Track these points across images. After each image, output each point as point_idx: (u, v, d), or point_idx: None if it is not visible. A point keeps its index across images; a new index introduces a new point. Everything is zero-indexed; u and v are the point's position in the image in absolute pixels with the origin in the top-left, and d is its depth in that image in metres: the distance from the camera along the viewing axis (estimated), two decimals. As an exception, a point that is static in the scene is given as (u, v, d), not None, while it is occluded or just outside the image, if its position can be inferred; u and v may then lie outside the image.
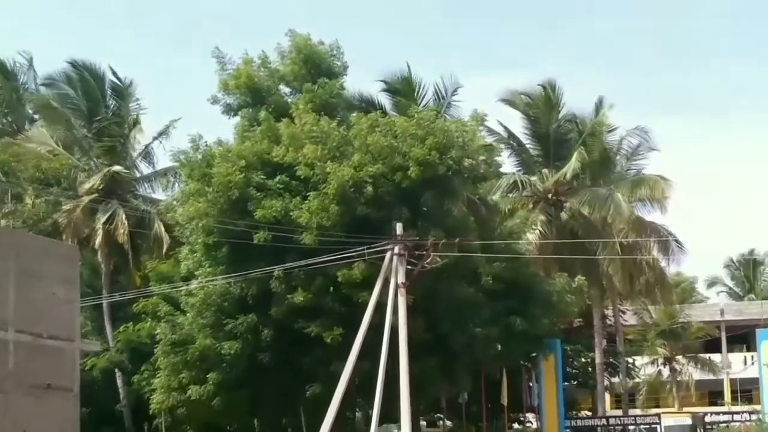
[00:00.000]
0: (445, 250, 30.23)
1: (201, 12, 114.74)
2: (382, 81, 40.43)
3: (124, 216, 40.99)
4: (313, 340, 31.30)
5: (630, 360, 57.77)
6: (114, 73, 44.09)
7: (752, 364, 54.84)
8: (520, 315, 34.39)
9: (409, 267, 29.23)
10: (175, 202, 37.19)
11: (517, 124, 47.99)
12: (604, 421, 46.10)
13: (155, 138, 44.04)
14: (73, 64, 43.90)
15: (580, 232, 45.47)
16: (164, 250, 40.15)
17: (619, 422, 46.45)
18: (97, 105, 43.68)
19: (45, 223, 40.39)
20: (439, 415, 43.21)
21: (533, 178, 46.81)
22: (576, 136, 47.13)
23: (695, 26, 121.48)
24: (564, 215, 46.85)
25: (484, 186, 39.21)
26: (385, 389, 28.27)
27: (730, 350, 68.71)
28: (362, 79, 76.42)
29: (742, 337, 65.50)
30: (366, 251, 29.53)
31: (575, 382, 52.05)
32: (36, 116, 47.27)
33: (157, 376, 34.15)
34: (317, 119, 32.93)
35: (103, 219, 40.98)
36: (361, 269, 30.48)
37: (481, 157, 35.42)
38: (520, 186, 46.40)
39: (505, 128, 47.64)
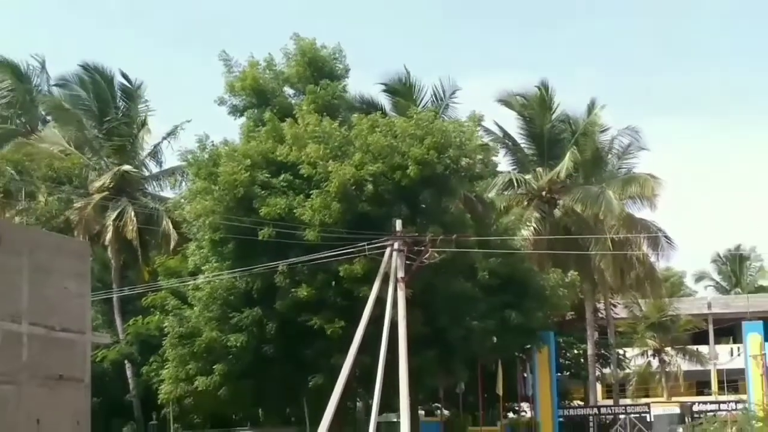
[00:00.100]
0: (443, 246, 30.21)
1: (201, 12, 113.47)
2: (382, 83, 40.50)
3: (133, 213, 40.99)
4: (316, 333, 31.28)
5: (621, 351, 57.73)
6: (124, 76, 44.15)
7: (738, 355, 54.88)
8: (515, 309, 34.36)
9: (408, 262, 29.21)
10: (182, 200, 37.15)
11: (512, 124, 48.06)
12: (595, 410, 46.08)
13: (164, 138, 44.11)
14: (85, 67, 43.95)
15: (573, 228, 45.49)
16: (172, 246, 40.15)
17: (610, 411, 46.40)
18: (107, 106, 43.70)
19: (57, 220, 40.37)
20: (436, 404, 43.16)
21: (528, 177, 46.82)
22: (569, 135, 47.16)
23: (695, 26, 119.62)
24: (557, 212, 46.84)
25: (481, 184, 39.18)
26: (384, 380, 28.27)
27: (717, 342, 68.68)
28: (363, 81, 76.20)
29: (728, 329, 65.52)
30: (366, 247, 29.52)
31: (568, 373, 52.01)
32: (48, 117, 47.26)
33: (166, 367, 34.13)
34: (320, 120, 32.90)
35: (113, 216, 40.99)
36: (361, 264, 30.45)
37: (478, 157, 35.38)
38: (516, 184, 46.43)
39: (501, 128, 47.72)
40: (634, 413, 45.65)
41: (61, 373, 10.85)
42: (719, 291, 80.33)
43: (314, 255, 30.20)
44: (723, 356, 65.62)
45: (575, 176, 46.97)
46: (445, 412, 42.26)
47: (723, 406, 45.39)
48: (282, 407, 36.76)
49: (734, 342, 63.73)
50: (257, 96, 35.63)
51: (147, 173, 45.57)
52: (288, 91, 36.71)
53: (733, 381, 60.70)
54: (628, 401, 56.80)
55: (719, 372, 65.63)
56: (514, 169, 47.86)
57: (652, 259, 48.72)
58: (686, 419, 45.49)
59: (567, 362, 51.68)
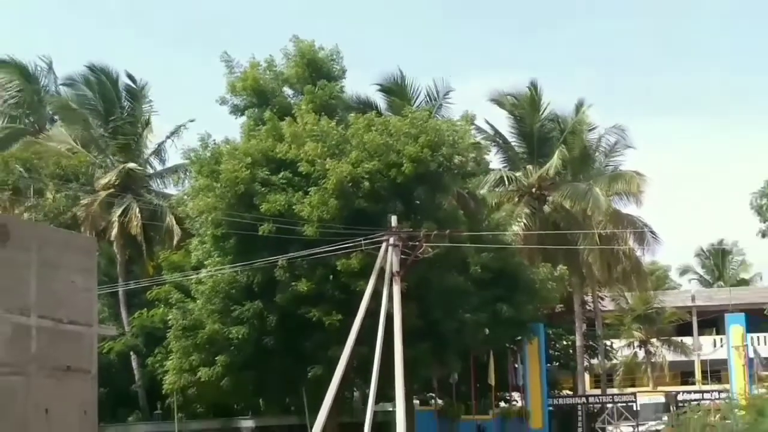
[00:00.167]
0: (437, 241, 30.22)
1: (200, 12, 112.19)
2: (377, 84, 40.46)
3: (137, 210, 40.91)
4: (314, 326, 31.27)
5: (608, 343, 57.83)
6: (130, 77, 44.04)
7: (721, 346, 54.93)
8: (507, 302, 34.39)
9: (403, 257, 29.23)
10: (185, 197, 37.12)
11: (504, 123, 48.07)
12: (583, 399, 46.15)
13: (168, 137, 44.04)
14: (91, 68, 43.81)
15: (562, 224, 45.54)
16: (175, 242, 40.09)
17: (597, 401, 46.49)
18: (112, 106, 43.59)
19: (65, 217, 40.29)
20: (431, 394, 43.17)
21: (518, 174, 46.84)
22: (558, 134, 47.22)
23: (695, 26, 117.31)
24: (547, 208, 46.89)
25: (473, 181, 39.17)
26: (380, 371, 28.25)
27: (700, 333, 68.77)
28: (360, 80, 75.30)
29: (711, 321, 65.58)
30: (363, 242, 29.52)
31: (557, 364, 52.07)
32: (56, 117, 47.14)
33: (170, 358, 34.10)
34: (317, 119, 32.88)
35: (118, 212, 40.90)
36: (358, 259, 30.45)
37: (471, 155, 35.38)
38: (506, 181, 46.43)
39: (493, 127, 47.74)
40: (621, 402, 45.73)
41: (69, 365, 10.81)
42: (703, 284, 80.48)
43: (313, 250, 30.18)
44: (706, 347, 65.71)
45: (564, 173, 47.01)
46: (439, 401, 42.27)
47: (707, 395, 45.46)
48: (282, 397, 36.74)
49: (717, 333, 63.83)
50: (257, 96, 35.60)
51: (151, 171, 45.47)
52: (287, 91, 36.68)
53: (716, 371, 60.79)
54: (615, 391, 56.87)
55: (703, 362, 65.72)
56: (505, 167, 47.87)
57: (638, 253, 48.90)
58: (671, 408, 45.59)
59: (556, 353, 51.73)
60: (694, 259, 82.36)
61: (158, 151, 45.02)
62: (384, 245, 29.12)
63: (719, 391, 45.67)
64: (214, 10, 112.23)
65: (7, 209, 38.92)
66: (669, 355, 66.24)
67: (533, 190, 46.64)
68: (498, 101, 47.28)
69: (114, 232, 40.74)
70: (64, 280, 10.79)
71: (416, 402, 38.78)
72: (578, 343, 47.59)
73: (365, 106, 38.50)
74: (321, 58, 36.08)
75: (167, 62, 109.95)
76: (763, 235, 41.15)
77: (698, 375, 65.98)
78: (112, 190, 41.50)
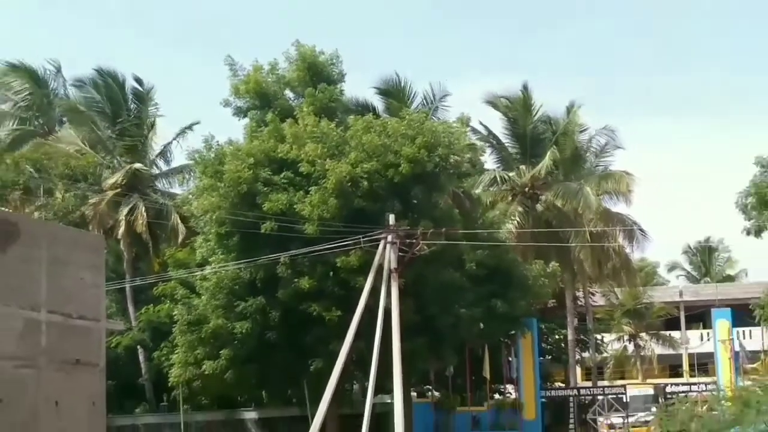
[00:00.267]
0: (433, 239, 30.21)
1: (200, 12, 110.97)
2: (376, 87, 40.43)
3: (143, 209, 40.94)
4: (315, 321, 31.27)
5: (598, 337, 57.86)
6: (137, 80, 44.07)
7: (708, 340, 55.05)
8: (501, 297, 34.36)
9: (400, 254, 29.22)
10: (190, 196, 37.11)
11: (498, 124, 48.06)
12: (575, 391, 46.12)
13: (174, 138, 44.09)
14: (99, 71, 43.87)
15: (554, 222, 45.53)
16: (180, 239, 40.11)
17: (588, 392, 46.46)
18: (119, 108, 43.61)
19: (73, 215, 40.29)
20: (428, 386, 43.16)
21: (512, 174, 46.82)
22: (550, 135, 47.20)
23: (695, 26, 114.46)
24: (539, 207, 46.89)
25: (468, 181, 39.18)
26: (379, 364, 28.24)
27: (688, 328, 68.85)
28: (359, 82, 74.92)
29: (698, 316, 65.66)
30: (362, 240, 29.52)
31: (550, 357, 52.04)
32: (64, 119, 47.16)
33: (175, 352, 34.10)
34: (318, 121, 32.88)
35: (125, 211, 40.93)
36: (357, 256, 30.43)
37: (466, 155, 35.37)
38: (500, 181, 46.41)
39: (487, 129, 47.71)
40: (611, 394, 45.68)
41: (78, 358, 10.78)
42: (690, 280, 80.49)
43: (313, 247, 30.18)
44: (694, 341, 65.79)
45: (556, 173, 46.99)
46: (436, 393, 42.25)
47: (694, 388, 45.47)
48: (284, 389, 36.75)
49: (704, 327, 63.91)
50: (260, 98, 35.58)
51: (157, 171, 45.51)
52: (289, 94, 36.67)
53: (703, 364, 60.84)
54: (605, 383, 56.87)
55: (690, 356, 65.78)
56: (499, 167, 47.85)
57: (628, 250, 48.90)
58: (659, 399, 45.52)
59: (549, 347, 51.71)
60: (681, 256, 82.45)
61: (164, 152, 45.07)
62: (382, 243, 29.12)
63: (706, 384, 45.72)
64: (214, 10, 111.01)
65: (17, 208, 38.90)
66: (657, 349, 66.32)
67: (526, 189, 46.62)
68: (492, 103, 47.27)
69: (121, 230, 40.76)
70: (73, 276, 10.77)
71: (414, 394, 38.79)
72: (570, 337, 47.59)
73: (364, 108, 38.50)
74: (321, 62, 36.06)
75: (168, 62, 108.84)
76: (748, 233, 41.12)
77: (686, 368, 66.02)
78: (119, 189, 41.53)
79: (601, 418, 44.76)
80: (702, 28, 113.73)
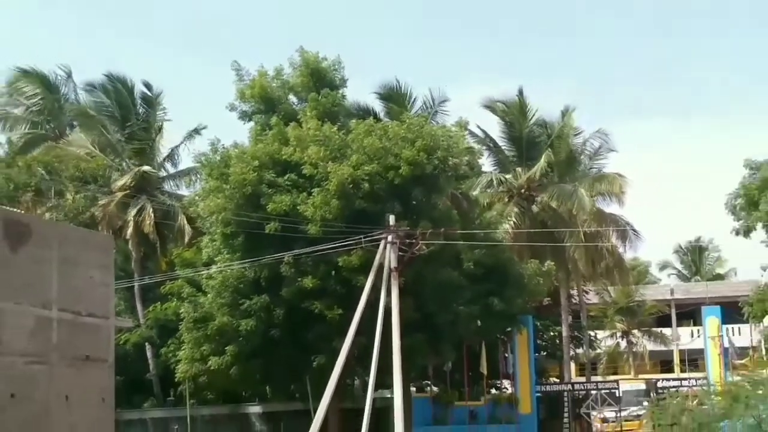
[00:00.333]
0: (432, 239, 30.21)
1: (201, 13, 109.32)
2: (376, 93, 40.41)
3: (151, 210, 40.96)
4: (318, 318, 31.27)
5: (592, 333, 57.70)
6: (146, 85, 44.08)
7: (698, 336, 54.88)
8: (497, 295, 34.35)
9: (400, 254, 29.21)
10: (196, 198, 37.16)
11: (495, 128, 48.00)
12: (569, 386, 46.06)
13: (181, 142, 44.10)
14: (109, 77, 43.87)
15: (549, 222, 45.48)
16: (187, 239, 40.12)
17: (582, 388, 46.36)
18: (128, 113, 43.61)
19: (83, 216, 40.31)
20: (426, 381, 43.11)
21: (508, 176, 46.77)
22: (545, 138, 47.11)
23: (695, 26, 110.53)
24: (535, 208, 46.84)
25: (466, 183, 39.16)
26: (379, 360, 28.24)
27: (679, 325, 68.72)
28: (360, 87, 74.41)
29: (689, 313, 65.55)
30: (363, 240, 29.52)
31: (545, 353, 51.97)
32: (75, 123, 47.17)
33: (182, 348, 34.12)
34: (320, 125, 32.89)
35: (133, 212, 40.94)
36: (358, 256, 30.44)
37: (464, 158, 35.41)
38: (497, 183, 46.38)
39: (484, 132, 47.62)
40: (605, 389, 45.65)
41: (88, 354, 10.79)
42: (681, 278, 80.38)
43: (316, 247, 30.19)
44: (684, 337, 65.65)
45: (551, 175, 46.96)
46: (434, 388, 42.22)
47: (685, 383, 45.38)
48: (287, 385, 36.74)
49: (694, 325, 63.76)
50: (265, 103, 35.62)
51: (164, 174, 45.50)
52: (292, 98, 36.69)
53: (694, 360, 60.74)
54: (599, 378, 56.84)
55: (681, 352, 65.65)
56: (495, 169, 47.80)
57: (621, 250, 48.79)
58: (651, 394, 45.49)
59: (544, 343, 51.66)
60: (672, 255, 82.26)
61: (171, 155, 45.08)
62: (383, 243, 29.11)
63: (696, 379, 45.65)
64: (214, 10, 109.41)
65: (29, 209, 38.93)
66: (649, 345, 66.21)
67: (522, 191, 46.58)
68: (490, 107, 47.22)
69: (129, 230, 40.78)
70: (83, 275, 10.78)
71: (413, 389, 38.77)
72: (564, 333, 47.55)
73: (365, 112, 38.51)
74: (324, 68, 36.09)
75: (172, 64, 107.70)
76: (737, 233, 41.12)
77: (677, 363, 65.94)
78: (127, 191, 41.56)
79: (594, 412, 44.73)
80: (702, 28, 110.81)
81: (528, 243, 41.77)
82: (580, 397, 45.42)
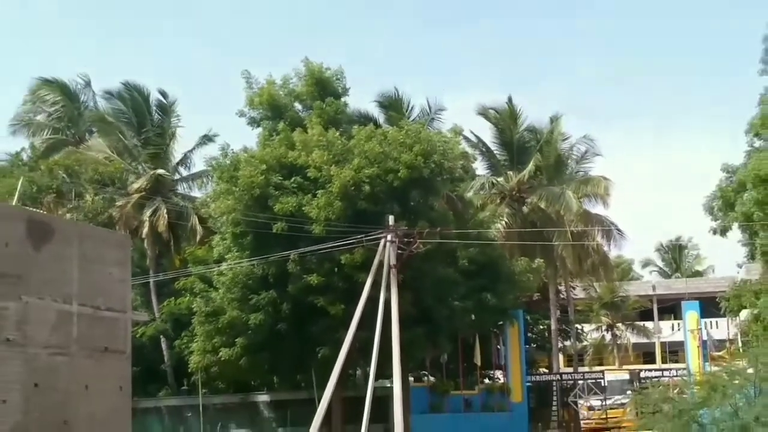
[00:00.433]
0: (429, 238, 30.19)
1: (202, 13, 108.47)
2: (376, 101, 40.40)
3: (165, 211, 40.92)
4: (322, 312, 31.23)
5: (579, 327, 57.78)
6: (162, 93, 44.07)
7: (678, 330, 54.94)
8: (490, 291, 34.32)
9: (399, 252, 29.18)
10: (208, 199, 37.15)
11: (488, 133, 48.00)
12: (558, 376, 46.09)
13: (194, 147, 44.11)
14: (126, 85, 43.85)
15: (538, 222, 45.49)
16: (199, 238, 40.13)
17: (570, 378, 46.39)
18: (144, 119, 43.58)
19: (102, 217, 40.30)
20: (424, 372, 43.07)
21: (500, 179, 46.79)
22: (535, 144, 47.11)
23: (695, 26, 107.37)
24: (525, 209, 46.84)
25: (461, 185, 39.12)
26: (380, 352, 28.22)
27: (660, 319, 68.78)
28: (361, 95, 73.68)
29: (670, 308, 65.59)
30: (364, 239, 29.49)
31: (535, 345, 52.02)
32: (94, 129, 47.16)
33: (195, 341, 34.10)
34: (324, 131, 32.87)
35: (148, 213, 40.90)
36: (360, 254, 30.40)
37: (459, 162, 35.41)
38: (490, 185, 46.43)
39: (478, 138, 47.63)
40: (591, 379, 45.67)
41: (106, 346, 10.79)
42: (662, 275, 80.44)
43: (320, 246, 30.16)
44: (665, 331, 65.71)
45: (540, 178, 46.97)
46: (431, 378, 42.18)
47: (666, 373, 45.40)
48: (293, 375, 36.69)
49: (675, 319, 63.82)
50: (272, 110, 35.57)
51: (178, 177, 45.46)
52: (298, 106, 36.66)
53: (674, 352, 60.80)
54: (585, 369, 56.84)
55: (662, 344, 65.75)
56: (488, 173, 47.81)
57: (605, 248, 48.83)
58: (634, 384, 45.48)
59: (534, 336, 51.70)
60: (654, 253, 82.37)
61: (184, 159, 45.07)
62: (383, 242, 29.09)
63: (677, 370, 45.66)
64: (214, 10, 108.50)
65: (51, 210, 38.95)
66: (633, 338, 66.25)
67: (513, 193, 46.60)
68: (484, 114, 47.22)
69: (145, 230, 40.76)
70: (102, 272, 10.78)
71: (411, 379, 38.69)
72: (553, 327, 47.57)
73: (366, 119, 38.45)
74: (327, 78, 36.07)
75: (175, 65, 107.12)
76: (715, 233, 41.05)
77: (658, 355, 65.99)
78: (143, 193, 41.53)
79: (581, 401, 44.77)
80: (702, 28, 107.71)
81: (519, 242, 41.78)
82: (568, 386, 45.45)
